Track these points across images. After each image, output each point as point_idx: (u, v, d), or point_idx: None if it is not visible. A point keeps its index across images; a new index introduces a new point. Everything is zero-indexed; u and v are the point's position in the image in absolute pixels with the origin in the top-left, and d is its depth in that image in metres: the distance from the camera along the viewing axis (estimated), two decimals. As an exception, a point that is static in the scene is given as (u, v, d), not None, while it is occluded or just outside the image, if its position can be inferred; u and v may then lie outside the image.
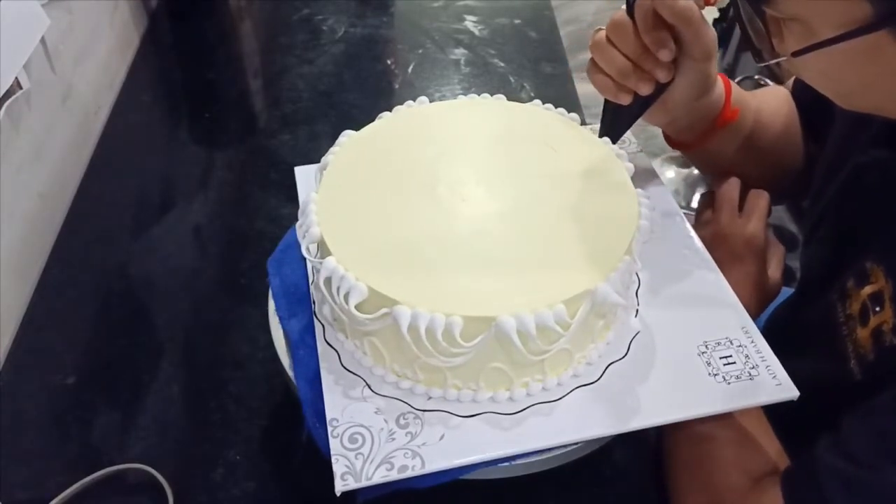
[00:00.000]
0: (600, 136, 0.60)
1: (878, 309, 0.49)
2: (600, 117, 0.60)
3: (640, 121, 0.60)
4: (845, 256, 0.54)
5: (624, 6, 0.54)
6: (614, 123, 0.60)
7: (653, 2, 0.52)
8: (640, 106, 0.58)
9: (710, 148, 0.65)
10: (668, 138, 0.67)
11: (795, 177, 0.71)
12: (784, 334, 0.55)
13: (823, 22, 0.43)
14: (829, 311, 0.55)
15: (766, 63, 0.47)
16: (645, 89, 0.55)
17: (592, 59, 0.57)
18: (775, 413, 0.53)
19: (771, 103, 0.69)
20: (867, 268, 0.51)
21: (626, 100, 0.57)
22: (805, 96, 0.70)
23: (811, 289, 0.60)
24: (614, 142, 0.59)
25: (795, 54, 0.45)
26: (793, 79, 0.73)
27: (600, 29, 0.56)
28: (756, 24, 0.47)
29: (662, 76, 0.55)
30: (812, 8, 0.43)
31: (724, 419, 0.52)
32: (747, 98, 0.66)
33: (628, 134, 0.68)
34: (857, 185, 0.56)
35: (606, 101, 0.59)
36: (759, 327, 0.53)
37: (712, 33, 0.55)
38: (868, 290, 0.51)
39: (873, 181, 0.54)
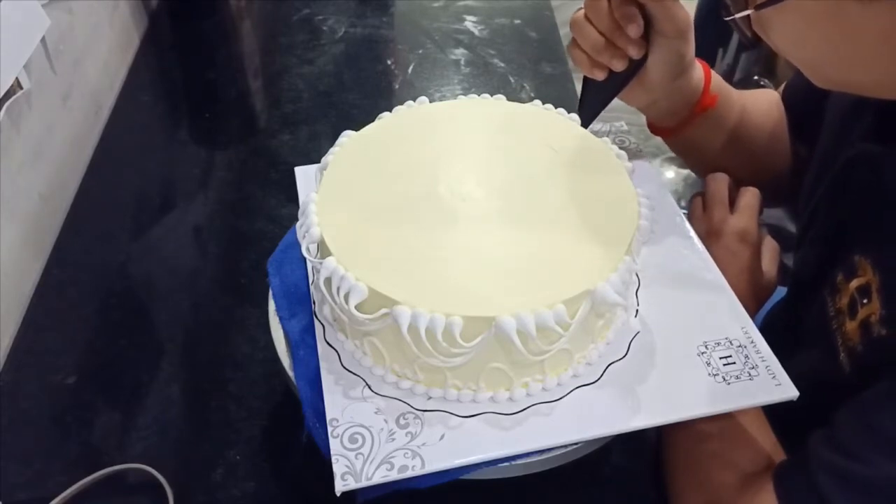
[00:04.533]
0: (578, 114, 0.61)
1: (865, 301, 0.50)
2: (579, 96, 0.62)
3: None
4: (836, 252, 0.55)
5: None
6: (591, 101, 0.61)
7: None
8: (617, 84, 0.60)
9: (692, 137, 0.66)
10: (650, 125, 0.68)
11: (783, 181, 0.71)
12: (779, 333, 0.55)
13: None
14: (820, 307, 0.55)
15: (732, 17, 0.47)
16: (618, 65, 0.57)
17: (573, 37, 0.59)
18: (771, 410, 0.53)
19: (761, 105, 0.70)
20: (855, 261, 0.51)
21: (599, 75, 0.59)
22: (796, 99, 0.70)
23: (804, 287, 0.60)
24: (590, 121, 0.61)
25: (758, 7, 0.45)
26: (784, 84, 0.73)
27: (580, 9, 0.58)
28: None
29: (634, 52, 0.57)
30: None
31: (721, 418, 0.52)
32: (732, 92, 0.67)
33: (629, 133, 0.69)
34: (846, 180, 0.56)
35: (585, 80, 0.61)
36: (756, 326, 0.53)
37: (684, 12, 0.56)
38: (856, 283, 0.51)
39: (862, 175, 0.54)
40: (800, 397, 0.48)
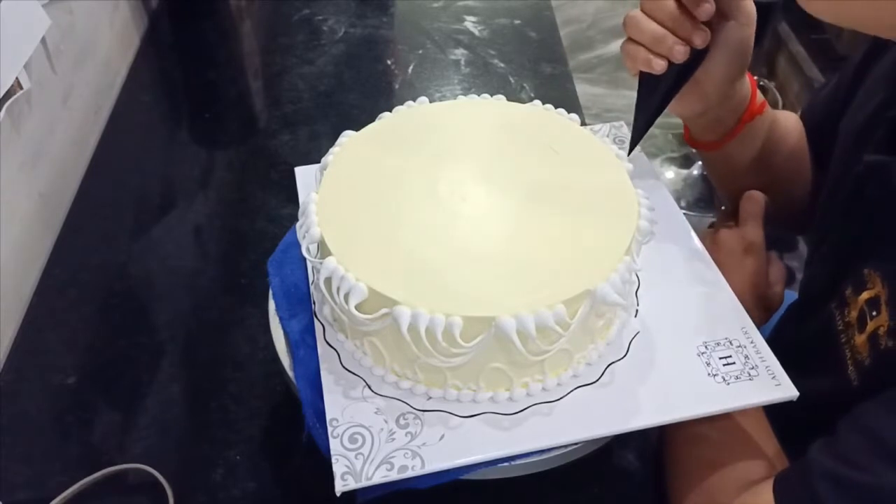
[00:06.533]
0: (634, 123, 0.58)
1: (874, 314, 0.49)
2: (635, 102, 0.59)
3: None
4: (845, 266, 0.54)
5: None
6: (646, 105, 0.58)
7: None
8: (675, 82, 0.56)
9: (731, 150, 0.64)
10: (690, 140, 0.66)
11: (803, 205, 0.70)
12: (786, 349, 0.54)
13: None
14: (828, 321, 0.55)
15: None
16: (680, 55, 0.53)
17: (628, 38, 0.56)
18: (777, 423, 0.53)
19: (788, 121, 0.69)
20: (864, 274, 0.51)
21: (660, 67, 0.54)
22: (813, 121, 0.69)
23: (812, 302, 0.60)
24: (646, 127, 0.58)
25: None
26: (801, 109, 0.73)
27: (635, 9, 0.55)
28: None
29: (700, 39, 0.53)
30: None
31: (722, 421, 0.52)
32: (777, 114, 0.66)
33: (627, 134, 0.69)
34: (857, 194, 0.56)
35: (640, 81, 0.57)
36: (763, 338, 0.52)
37: None
38: (866, 295, 0.51)
39: (873, 188, 0.54)
40: (807, 410, 0.48)
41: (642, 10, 0.55)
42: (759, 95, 0.62)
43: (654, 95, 0.58)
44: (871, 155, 0.54)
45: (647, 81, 0.57)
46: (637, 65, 0.56)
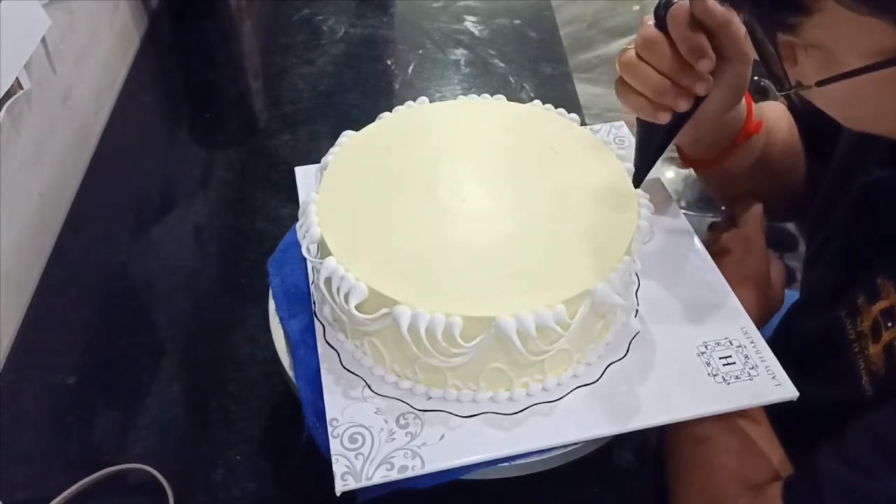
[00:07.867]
0: (635, 163, 0.57)
1: (890, 324, 0.49)
2: (634, 145, 0.58)
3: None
4: (853, 274, 0.54)
5: (652, 20, 0.52)
6: (648, 146, 0.57)
7: (692, 7, 0.49)
8: (676, 124, 0.55)
9: (728, 165, 0.63)
10: (685, 158, 0.65)
11: (799, 194, 0.70)
12: (788, 350, 0.54)
13: (848, 50, 0.41)
14: (836, 329, 0.54)
15: (788, 91, 0.45)
16: (683, 105, 0.52)
17: (622, 80, 0.54)
18: (785, 429, 0.53)
19: (779, 121, 0.68)
20: (878, 284, 0.51)
21: (665, 118, 0.53)
22: (805, 114, 0.68)
23: (815, 308, 0.60)
24: (650, 166, 0.57)
25: (820, 83, 0.43)
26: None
27: (627, 48, 0.53)
28: (768, 49, 0.45)
29: (702, 89, 0.52)
30: (838, 37, 0.41)
31: (725, 424, 0.52)
32: (764, 112, 0.65)
33: (627, 135, 0.68)
34: (864, 204, 0.55)
35: (639, 125, 0.57)
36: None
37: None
38: (880, 305, 0.50)
39: (881, 200, 0.53)
40: (814, 416, 0.48)
41: (638, 57, 0.52)
42: (756, 115, 0.61)
43: (653, 138, 0.57)
44: (876, 168, 0.54)
45: (646, 126, 0.56)
46: (642, 115, 0.55)
